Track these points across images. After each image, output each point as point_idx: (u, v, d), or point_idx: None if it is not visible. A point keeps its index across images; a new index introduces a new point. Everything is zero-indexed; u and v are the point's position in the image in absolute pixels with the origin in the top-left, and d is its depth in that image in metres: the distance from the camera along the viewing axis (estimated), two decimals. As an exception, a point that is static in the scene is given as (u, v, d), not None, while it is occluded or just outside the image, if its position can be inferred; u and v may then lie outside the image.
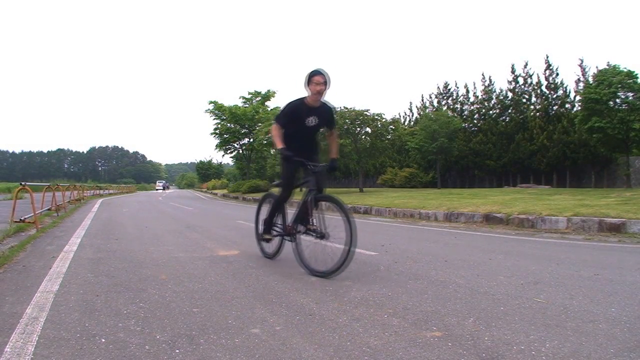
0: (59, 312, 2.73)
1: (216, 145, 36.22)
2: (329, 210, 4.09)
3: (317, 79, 3.98)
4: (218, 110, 34.19)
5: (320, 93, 4.03)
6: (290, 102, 4.21)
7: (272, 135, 4.32)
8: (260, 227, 4.74)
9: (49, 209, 11.27)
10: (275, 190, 4.68)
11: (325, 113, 4.28)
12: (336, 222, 3.86)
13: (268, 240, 4.65)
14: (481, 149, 28.25)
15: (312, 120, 4.18)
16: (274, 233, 4.56)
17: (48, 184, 14.85)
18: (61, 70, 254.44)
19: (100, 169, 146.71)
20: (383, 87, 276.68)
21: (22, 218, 7.54)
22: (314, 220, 4.04)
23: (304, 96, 4.15)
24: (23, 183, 8.04)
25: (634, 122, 17.21)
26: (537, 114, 26.67)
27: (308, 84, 4.04)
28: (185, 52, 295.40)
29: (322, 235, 3.92)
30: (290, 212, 4.40)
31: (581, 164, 23.84)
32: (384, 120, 23.76)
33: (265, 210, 4.68)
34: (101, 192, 34.38)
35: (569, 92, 26.22)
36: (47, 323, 2.50)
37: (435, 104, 33.86)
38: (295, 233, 4.18)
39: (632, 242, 5.98)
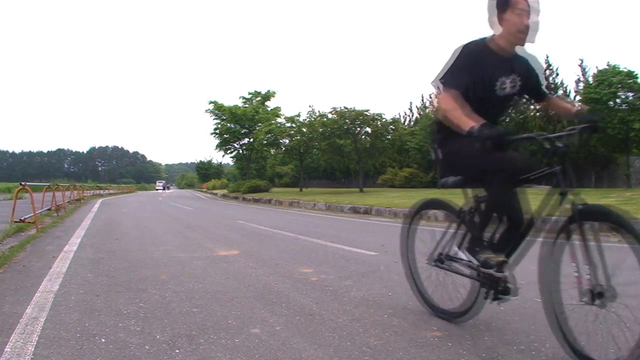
0: (59, 312, 2.73)
1: (216, 145, 36.24)
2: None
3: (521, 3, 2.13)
4: (218, 110, 34.18)
5: (524, 33, 2.18)
6: (466, 46, 2.26)
7: (446, 111, 2.17)
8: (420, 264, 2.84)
9: (49, 209, 11.27)
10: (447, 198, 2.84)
11: (527, 69, 2.35)
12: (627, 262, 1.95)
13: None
14: (481, 149, 28.22)
15: (509, 83, 2.28)
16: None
17: (48, 184, 14.85)
18: (61, 70, 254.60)
19: (100, 169, 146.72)
20: (383, 87, 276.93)
21: (22, 218, 7.55)
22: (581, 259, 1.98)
23: (486, 37, 2.30)
24: (23, 183, 8.04)
25: (634, 122, 17.22)
26: (537, 114, 26.67)
27: (504, 9, 2.16)
28: (185, 52, 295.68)
29: (600, 294, 1.89)
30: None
31: (581, 164, 23.83)
32: (384, 120, 23.78)
33: (426, 237, 2.92)
34: (101, 192, 34.37)
35: (569, 92, 26.20)
36: (47, 323, 2.51)
37: (436, 104, 33.87)
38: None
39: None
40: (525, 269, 4.03)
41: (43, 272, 3.92)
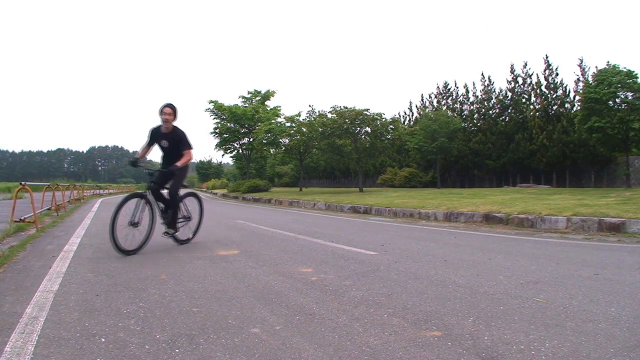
0: (59, 311, 2.73)
1: (216, 145, 36.20)
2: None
3: (166, 110, 5.33)
4: (218, 109, 34.15)
5: (168, 121, 5.35)
6: (152, 128, 5.54)
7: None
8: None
9: (48, 209, 11.27)
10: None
11: (176, 137, 5.42)
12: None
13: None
14: (481, 149, 28.26)
15: (164, 143, 5.43)
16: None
17: (48, 183, 14.83)
18: (61, 70, 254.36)
19: (100, 168, 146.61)
20: (383, 87, 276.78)
21: (22, 218, 7.54)
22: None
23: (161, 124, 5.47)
24: (23, 183, 8.03)
25: (633, 122, 17.24)
26: (537, 113, 26.69)
27: (160, 114, 5.37)
28: (185, 51, 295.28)
29: (135, 223, 5.14)
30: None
31: (581, 163, 23.87)
32: (383, 120, 23.77)
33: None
34: (101, 191, 34.37)
35: (569, 91, 26.27)
36: (47, 323, 2.51)
37: (435, 103, 33.90)
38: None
39: (632, 241, 5.98)
40: (525, 269, 4.06)
41: (43, 272, 3.92)
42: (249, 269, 4.16)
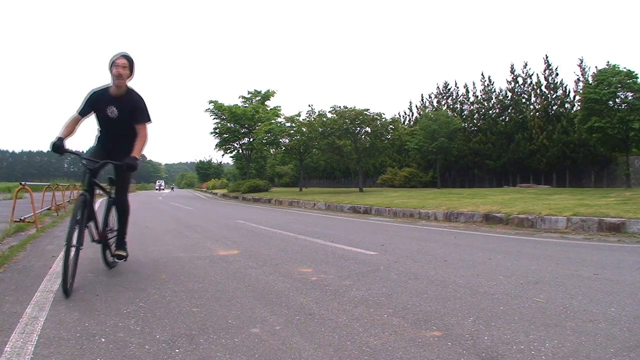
0: (59, 311, 2.73)
1: (216, 145, 36.23)
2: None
3: (119, 62, 3.57)
4: (218, 109, 34.17)
5: (121, 77, 3.57)
6: (94, 90, 3.72)
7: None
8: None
9: (48, 209, 11.27)
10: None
11: (130, 103, 3.68)
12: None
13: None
14: (481, 149, 28.26)
15: (112, 112, 3.65)
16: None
17: (48, 183, 14.83)
18: (61, 69, 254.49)
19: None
20: (383, 87, 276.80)
21: (22, 218, 7.54)
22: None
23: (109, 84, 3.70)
24: (23, 183, 8.03)
25: (633, 122, 17.23)
26: (537, 113, 26.68)
27: (110, 68, 3.59)
28: (185, 51, 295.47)
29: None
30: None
31: (581, 163, 23.86)
32: (383, 120, 23.77)
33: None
34: (101, 192, 34.26)
35: (569, 92, 26.27)
36: (47, 322, 2.51)
37: (435, 103, 33.88)
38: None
39: (632, 241, 5.98)
40: (525, 269, 4.05)
41: (43, 272, 3.92)
42: (249, 269, 4.16)
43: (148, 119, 3.73)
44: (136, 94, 3.74)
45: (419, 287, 3.39)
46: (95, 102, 3.66)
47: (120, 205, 3.89)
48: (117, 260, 3.97)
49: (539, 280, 3.60)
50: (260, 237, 6.75)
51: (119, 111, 3.65)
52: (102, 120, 3.74)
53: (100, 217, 3.80)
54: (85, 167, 3.50)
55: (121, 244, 3.93)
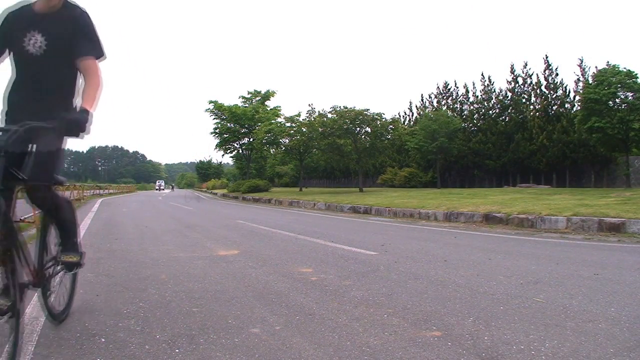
0: (59, 311, 2.73)
1: (216, 145, 36.27)
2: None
3: None
4: (218, 109, 34.21)
5: None
6: (7, 9, 2.21)
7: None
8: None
9: (48, 209, 11.24)
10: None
11: (68, 25, 2.17)
12: None
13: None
14: (481, 149, 28.26)
15: (35, 41, 2.14)
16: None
17: (48, 183, 14.81)
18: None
19: (100, 168, 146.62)
20: (383, 87, 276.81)
21: (21, 218, 7.53)
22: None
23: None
24: (23, 183, 8.02)
25: (633, 122, 17.23)
26: (537, 113, 26.69)
27: None
28: (185, 51, 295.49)
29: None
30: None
31: (581, 163, 23.87)
32: (383, 120, 23.78)
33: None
34: (101, 192, 34.34)
35: (569, 92, 26.27)
36: (47, 322, 2.50)
37: (435, 103, 33.88)
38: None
39: (632, 241, 5.98)
40: (525, 269, 4.06)
41: (43, 272, 3.91)
42: (249, 269, 4.16)
43: (101, 52, 2.23)
44: (79, 9, 2.23)
45: (419, 287, 3.39)
46: (9, 28, 2.16)
47: (48, 201, 2.35)
48: (68, 272, 2.48)
49: (539, 280, 3.60)
50: (260, 237, 6.75)
51: (47, 40, 2.14)
52: (18, 58, 2.18)
53: (31, 247, 2.31)
54: None
55: (70, 245, 2.42)
